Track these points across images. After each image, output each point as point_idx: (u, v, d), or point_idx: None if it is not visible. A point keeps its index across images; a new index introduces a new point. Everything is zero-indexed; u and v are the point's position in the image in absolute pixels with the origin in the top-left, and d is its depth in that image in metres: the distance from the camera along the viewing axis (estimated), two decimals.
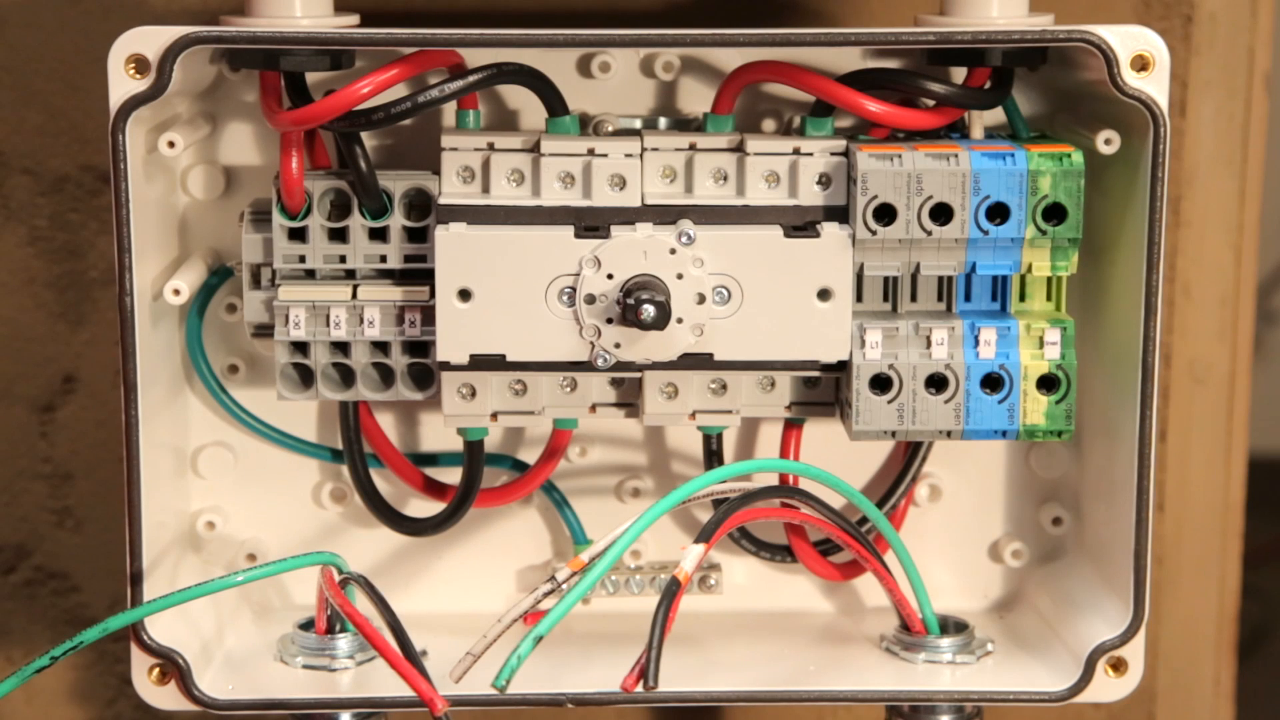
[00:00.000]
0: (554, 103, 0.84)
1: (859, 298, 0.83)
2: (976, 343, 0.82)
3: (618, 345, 0.82)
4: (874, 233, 0.81)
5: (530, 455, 0.90)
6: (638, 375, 0.84)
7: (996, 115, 0.87)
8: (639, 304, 0.79)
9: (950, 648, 0.87)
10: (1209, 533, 1.01)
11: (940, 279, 0.84)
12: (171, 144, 0.82)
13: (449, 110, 0.86)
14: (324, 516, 0.92)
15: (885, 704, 0.86)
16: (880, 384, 0.82)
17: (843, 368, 0.83)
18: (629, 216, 0.82)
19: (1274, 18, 0.97)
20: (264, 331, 0.84)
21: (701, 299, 0.81)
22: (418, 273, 0.84)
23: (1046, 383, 0.82)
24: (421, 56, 0.82)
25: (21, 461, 0.98)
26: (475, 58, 0.83)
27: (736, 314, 0.82)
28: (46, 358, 0.97)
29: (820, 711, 1.02)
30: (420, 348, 0.84)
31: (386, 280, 0.84)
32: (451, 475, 0.88)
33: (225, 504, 0.91)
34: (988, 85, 0.84)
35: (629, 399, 0.85)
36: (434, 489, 0.89)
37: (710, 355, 0.82)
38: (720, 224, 0.82)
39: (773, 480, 0.84)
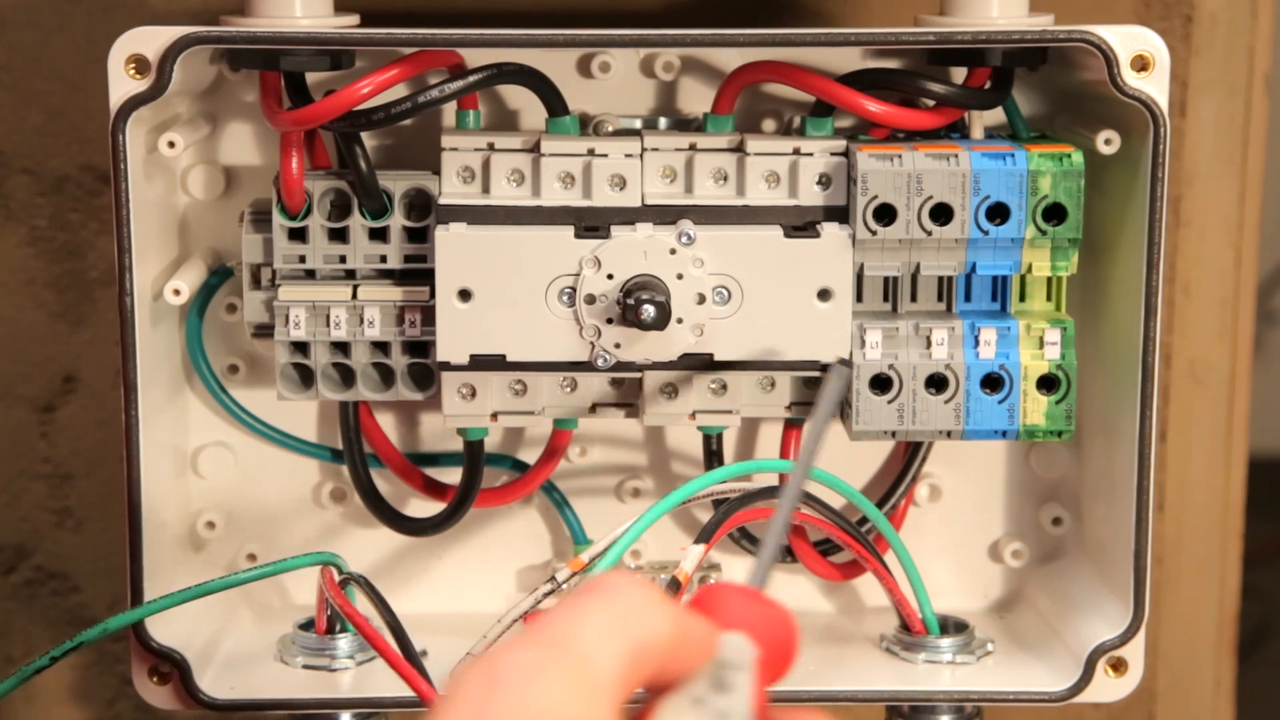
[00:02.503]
0: (554, 103, 0.84)
1: (859, 298, 0.83)
2: (976, 343, 0.82)
3: (618, 345, 0.82)
4: (874, 233, 0.81)
5: (530, 455, 0.90)
6: (638, 375, 0.84)
7: (996, 115, 0.87)
8: (639, 304, 0.79)
9: (950, 648, 0.87)
10: (1209, 533, 1.01)
11: (940, 279, 0.84)
12: (171, 144, 0.82)
13: (449, 110, 0.86)
14: (324, 516, 0.92)
15: (885, 704, 0.86)
16: (880, 384, 0.82)
17: None
18: (629, 216, 0.82)
19: (1274, 18, 0.97)
20: (264, 331, 0.84)
21: (701, 299, 0.81)
22: (418, 273, 0.84)
23: (1046, 383, 0.82)
24: (421, 56, 0.82)
25: (21, 461, 0.98)
26: (475, 58, 0.83)
27: (736, 314, 0.82)
28: (46, 358, 0.97)
29: None
30: (420, 348, 0.84)
31: (386, 280, 0.84)
32: (451, 475, 0.88)
33: (225, 504, 0.91)
34: (988, 85, 0.84)
35: (629, 399, 0.85)
36: (434, 489, 0.89)
37: (710, 355, 0.82)
38: (720, 224, 0.82)
39: (773, 480, 0.84)
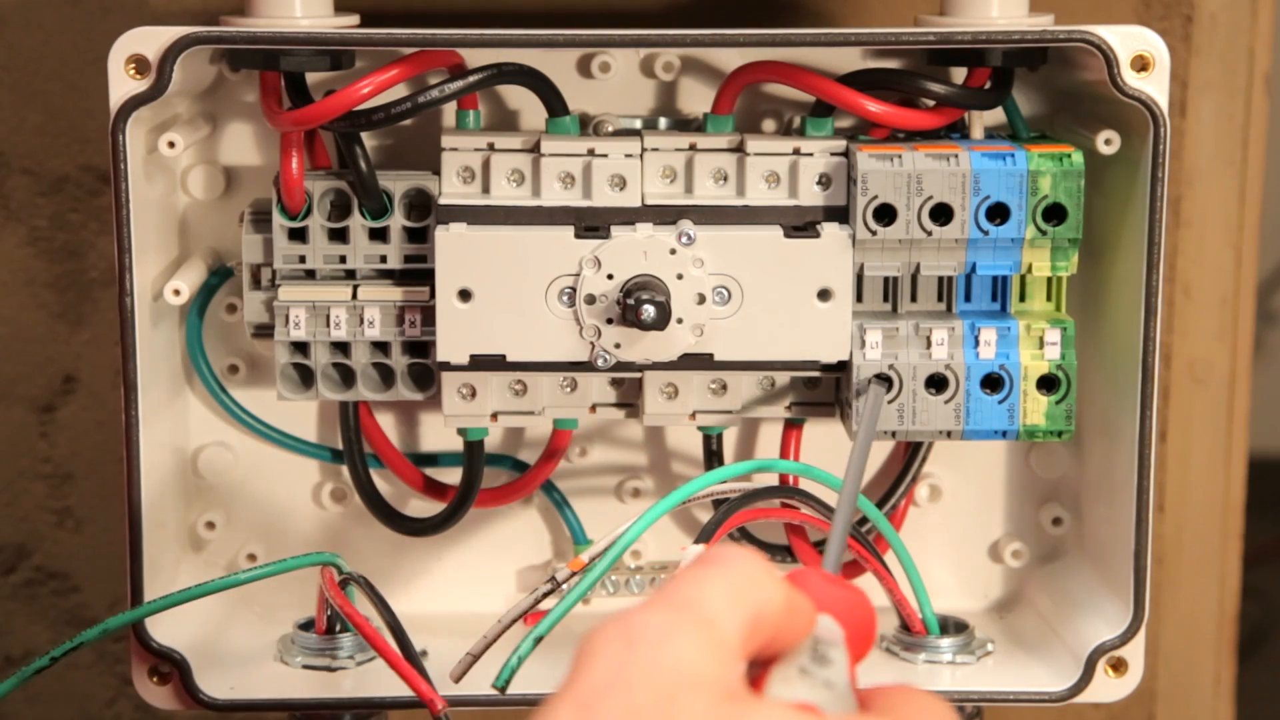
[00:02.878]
0: (554, 103, 0.84)
1: (859, 298, 0.83)
2: (976, 343, 0.82)
3: (618, 345, 0.82)
4: (874, 233, 0.81)
5: (530, 455, 0.90)
6: (638, 375, 0.84)
7: (996, 115, 0.87)
8: (639, 304, 0.79)
9: (950, 648, 0.87)
10: (1209, 533, 1.01)
11: (940, 279, 0.84)
12: (171, 144, 0.82)
13: (449, 110, 0.86)
14: (324, 516, 0.92)
15: None
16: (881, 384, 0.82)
17: (843, 368, 0.83)
18: (629, 216, 0.82)
19: (1274, 18, 0.97)
20: (264, 331, 0.84)
21: (701, 299, 0.81)
22: (418, 273, 0.84)
23: (1046, 383, 0.82)
24: (421, 56, 0.82)
25: (21, 461, 0.98)
26: (475, 58, 0.83)
27: (736, 314, 0.82)
28: (46, 358, 0.97)
29: None
30: (420, 348, 0.84)
31: (386, 280, 0.84)
32: (451, 475, 0.88)
33: (225, 504, 0.91)
34: (988, 85, 0.84)
35: (629, 399, 0.85)
36: (434, 489, 0.89)
37: (710, 355, 0.82)
38: (720, 224, 0.82)
39: (773, 480, 0.84)
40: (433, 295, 0.82)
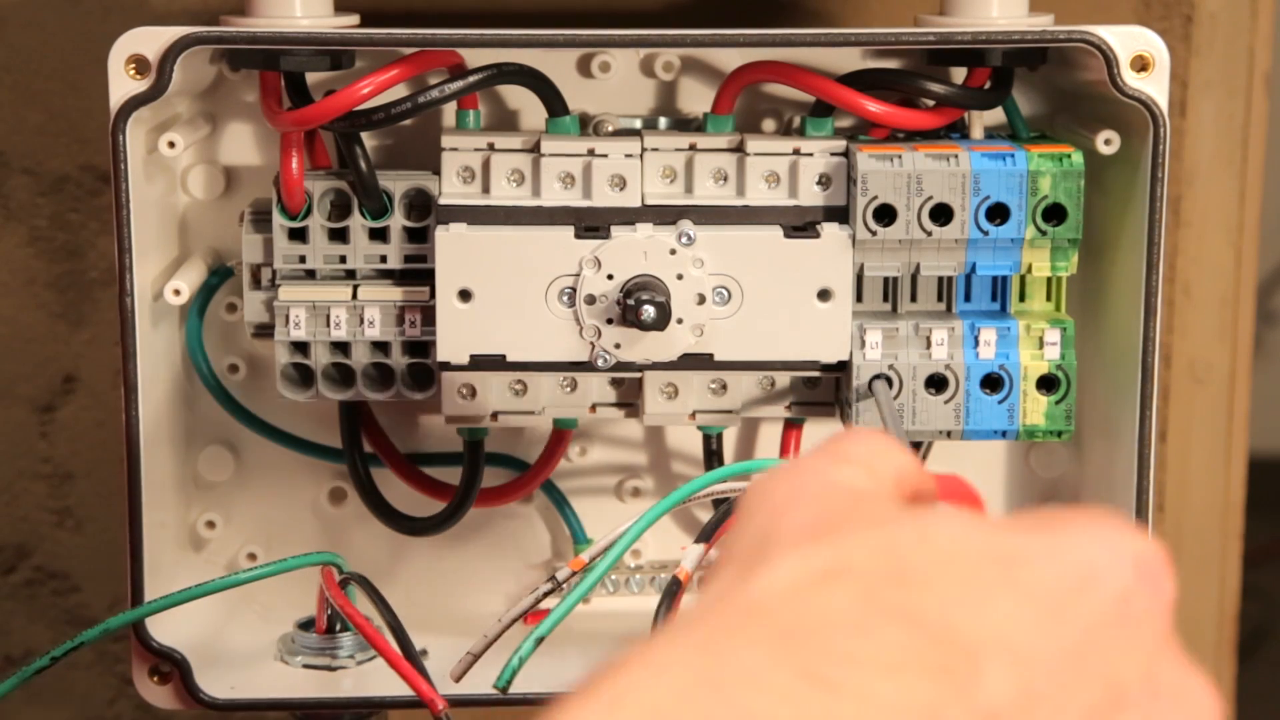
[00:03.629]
0: (554, 103, 0.84)
1: (859, 298, 0.83)
2: (976, 343, 0.82)
3: (618, 345, 0.82)
4: (874, 233, 0.81)
5: (530, 455, 0.90)
6: (638, 375, 0.84)
7: (996, 115, 0.87)
8: (639, 304, 0.79)
9: None
10: (1209, 533, 1.01)
11: (940, 279, 0.84)
12: (171, 144, 0.82)
13: (449, 110, 0.86)
14: (324, 516, 0.91)
15: None
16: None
17: (843, 368, 0.83)
18: (629, 217, 0.82)
19: (1274, 18, 0.97)
20: (264, 331, 0.84)
21: (701, 299, 0.81)
22: (418, 273, 0.84)
23: (1046, 383, 0.82)
24: (421, 57, 0.82)
25: (21, 461, 0.98)
26: (475, 58, 0.83)
27: (736, 314, 0.82)
28: (46, 358, 0.97)
29: None
30: (420, 348, 0.84)
31: (386, 280, 0.84)
32: (451, 475, 0.88)
33: (226, 503, 0.91)
34: (988, 85, 0.84)
35: (629, 399, 0.85)
36: (434, 489, 0.89)
37: (710, 355, 0.82)
38: (720, 224, 0.82)
39: None
40: (433, 295, 0.82)
